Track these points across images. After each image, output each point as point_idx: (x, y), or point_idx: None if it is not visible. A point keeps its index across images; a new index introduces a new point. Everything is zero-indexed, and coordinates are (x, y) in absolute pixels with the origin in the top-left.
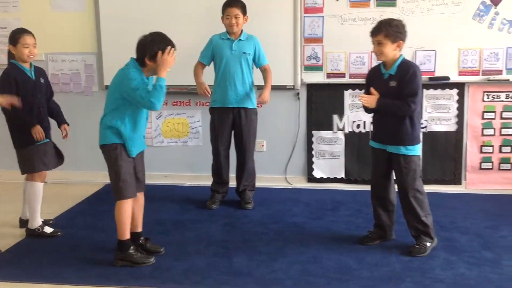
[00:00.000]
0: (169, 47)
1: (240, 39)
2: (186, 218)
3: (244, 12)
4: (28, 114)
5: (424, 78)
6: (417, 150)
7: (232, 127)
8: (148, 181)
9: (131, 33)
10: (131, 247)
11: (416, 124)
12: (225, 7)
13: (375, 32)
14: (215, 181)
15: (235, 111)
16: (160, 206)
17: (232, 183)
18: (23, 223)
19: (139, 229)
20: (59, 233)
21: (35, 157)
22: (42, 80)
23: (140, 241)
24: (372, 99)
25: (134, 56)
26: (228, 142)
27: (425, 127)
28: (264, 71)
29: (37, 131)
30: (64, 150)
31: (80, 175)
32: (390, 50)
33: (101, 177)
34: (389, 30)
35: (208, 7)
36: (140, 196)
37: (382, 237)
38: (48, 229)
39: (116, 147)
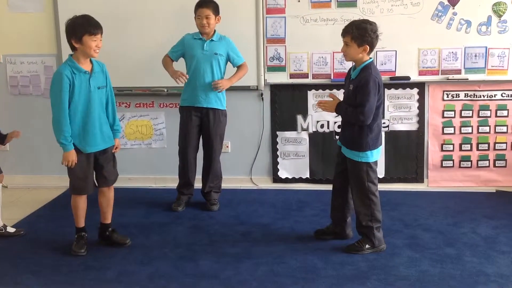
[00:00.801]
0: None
1: (212, 40)
2: (151, 221)
3: (216, 12)
4: None
5: (385, 78)
6: (367, 157)
7: (200, 127)
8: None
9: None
10: (77, 236)
11: (365, 131)
12: (197, 7)
13: (343, 33)
14: (181, 183)
15: (204, 111)
16: (124, 209)
17: (198, 184)
18: None
19: (107, 221)
20: (22, 232)
21: None
22: None
23: (107, 232)
24: (330, 105)
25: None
26: (196, 143)
27: (387, 126)
28: (242, 69)
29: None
30: (24, 154)
31: (41, 179)
32: (355, 53)
33: (62, 181)
34: (355, 33)
35: (178, 7)
36: (107, 190)
37: (336, 233)
38: (10, 229)
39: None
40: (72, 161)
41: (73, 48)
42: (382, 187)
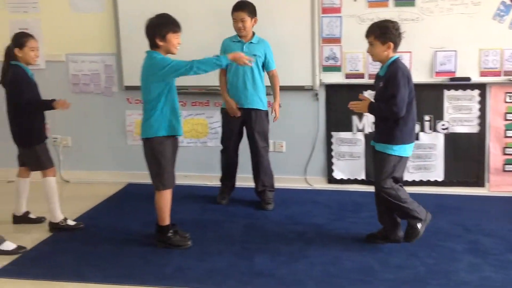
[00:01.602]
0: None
1: (251, 42)
2: (206, 218)
3: (252, 15)
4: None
5: (445, 78)
6: (400, 150)
7: (242, 127)
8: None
9: None
10: (170, 231)
11: (400, 124)
12: (233, 11)
13: (366, 33)
14: (223, 176)
15: (246, 112)
16: (180, 206)
17: (251, 183)
18: (17, 219)
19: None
20: (81, 225)
21: (47, 154)
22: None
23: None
24: (362, 105)
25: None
26: (236, 141)
27: (447, 128)
28: (272, 77)
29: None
30: (84, 150)
31: (100, 174)
32: (380, 51)
33: (122, 177)
34: (378, 31)
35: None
36: None
37: (385, 237)
38: (71, 222)
39: (162, 139)
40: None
41: (154, 46)
42: (440, 190)
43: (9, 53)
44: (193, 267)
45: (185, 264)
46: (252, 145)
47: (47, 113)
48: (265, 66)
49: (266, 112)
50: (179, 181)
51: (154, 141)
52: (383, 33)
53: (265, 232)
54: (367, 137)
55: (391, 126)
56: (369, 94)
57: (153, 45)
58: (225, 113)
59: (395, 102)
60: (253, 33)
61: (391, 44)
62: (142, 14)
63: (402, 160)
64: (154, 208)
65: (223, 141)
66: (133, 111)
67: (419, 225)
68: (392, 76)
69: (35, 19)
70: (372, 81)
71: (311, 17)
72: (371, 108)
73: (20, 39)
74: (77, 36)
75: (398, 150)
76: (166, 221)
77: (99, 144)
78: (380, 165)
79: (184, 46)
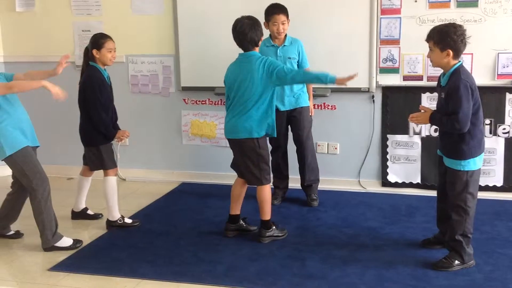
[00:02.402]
0: None
1: (284, 45)
2: (259, 219)
3: (288, 16)
4: (108, 118)
5: (507, 81)
6: (470, 165)
7: (287, 127)
8: (222, 181)
9: (207, 35)
10: (273, 224)
11: (466, 138)
12: (272, 13)
13: (426, 38)
14: (275, 177)
15: (286, 112)
16: None
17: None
18: (75, 215)
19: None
20: (137, 223)
21: (111, 154)
22: (111, 85)
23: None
24: (423, 117)
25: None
26: (283, 141)
27: (508, 132)
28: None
29: (121, 134)
30: (141, 149)
31: (155, 173)
32: (439, 58)
33: (176, 176)
34: (437, 37)
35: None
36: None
37: (442, 242)
38: (128, 220)
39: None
40: None
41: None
42: (500, 196)
43: (87, 54)
44: (245, 267)
45: (238, 263)
46: (297, 142)
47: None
48: (298, 65)
49: (307, 110)
50: (226, 180)
51: (260, 139)
52: (443, 39)
53: (317, 234)
54: (424, 140)
55: (457, 141)
56: (427, 97)
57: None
58: None
59: (457, 119)
60: (285, 35)
61: (451, 52)
62: (200, 16)
63: (474, 173)
64: (258, 203)
65: (271, 141)
66: (189, 111)
67: (457, 262)
68: (454, 90)
69: (98, 21)
70: (431, 84)
71: (369, 18)
72: (433, 120)
73: (99, 40)
74: (137, 38)
75: (467, 165)
76: (270, 215)
77: (155, 143)
78: (451, 181)
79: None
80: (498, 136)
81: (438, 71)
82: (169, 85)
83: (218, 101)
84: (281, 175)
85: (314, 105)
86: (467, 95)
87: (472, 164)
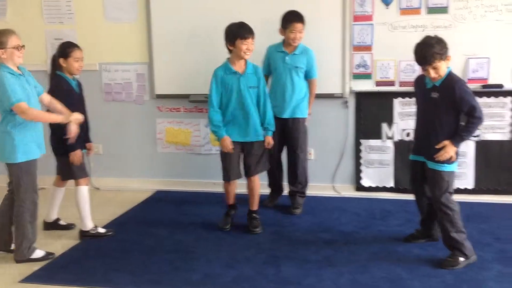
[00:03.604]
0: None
1: (294, 53)
2: (235, 225)
3: (304, 25)
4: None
5: (477, 85)
6: (450, 166)
7: (283, 135)
8: (198, 188)
9: (182, 42)
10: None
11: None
12: (291, 21)
13: (426, 61)
14: (271, 182)
15: (284, 121)
16: (210, 213)
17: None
18: (47, 225)
19: (251, 207)
20: (111, 233)
21: (82, 163)
22: (82, 94)
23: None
24: (448, 150)
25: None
26: (280, 147)
27: (478, 135)
28: (310, 85)
29: (76, 157)
30: (115, 158)
31: (130, 182)
32: (445, 69)
33: (151, 184)
34: (440, 51)
35: (264, 19)
36: (249, 180)
37: (427, 236)
38: (101, 230)
39: None
40: (226, 146)
41: (229, 51)
42: (470, 198)
43: (54, 63)
44: (221, 274)
45: (214, 271)
46: (290, 152)
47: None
48: (306, 75)
49: (304, 120)
50: (208, 188)
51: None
52: (444, 50)
53: (293, 240)
54: (397, 144)
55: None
56: (399, 102)
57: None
58: None
59: (477, 112)
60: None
61: (450, 57)
62: (174, 24)
63: (454, 173)
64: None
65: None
66: (164, 119)
67: (461, 259)
68: (462, 92)
69: (70, 29)
70: (403, 89)
71: (342, 25)
72: (457, 143)
73: (65, 49)
74: (110, 46)
75: (450, 166)
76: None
77: (130, 151)
78: (435, 182)
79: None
80: (469, 139)
81: (410, 76)
82: (143, 93)
83: (193, 108)
84: (275, 181)
85: None
86: (468, 88)
87: (454, 165)
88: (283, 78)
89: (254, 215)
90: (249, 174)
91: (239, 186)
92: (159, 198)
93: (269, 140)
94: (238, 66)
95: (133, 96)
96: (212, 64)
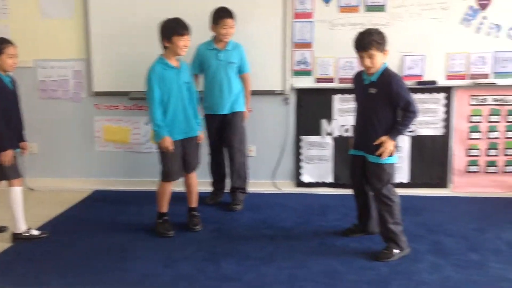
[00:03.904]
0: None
1: (226, 49)
2: (173, 223)
3: (235, 21)
4: (7, 127)
5: (412, 82)
6: (391, 158)
7: (222, 131)
8: (137, 187)
9: (121, 38)
10: (162, 220)
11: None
12: (223, 17)
13: (364, 47)
14: (214, 179)
15: (223, 117)
16: (149, 212)
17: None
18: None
19: (190, 205)
20: (45, 235)
21: (14, 164)
22: (16, 91)
23: (189, 214)
24: (387, 145)
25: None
26: (220, 144)
27: (413, 131)
28: (244, 80)
29: (7, 157)
30: (51, 157)
31: (66, 182)
32: (380, 60)
33: (89, 184)
34: (379, 42)
35: (202, 14)
36: (189, 176)
37: (364, 230)
38: (35, 232)
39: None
40: (167, 147)
41: (164, 47)
42: (406, 192)
43: None
44: (159, 273)
45: (152, 270)
46: (228, 148)
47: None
48: (239, 70)
49: (242, 115)
50: (141, 187)
51: None
52: (384, 41)
53: (233, 236)
54: (336, 140)
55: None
56: (338, 98)
57: (164, 47)
58: (206, 119)
59: (412, 106)
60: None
61: (387, 51)
62: (113, 19)
63: (394, 165)
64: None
65: (209, 145)
66: (102, 117)
67: (396, 251)
68: (398, 87)
69: (4, 25)
70: (342, 85)
71: (282, 22)
72: (394, 136)
73: None
74: (46, 42)
75: (390, 158)
76: (161, 208)
77: (66, 150)
78: (376, 175)
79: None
80: (404, 134)
81: (349, 73)
82: (81, 90)
83: (132, 106)
84: (219, 177)
85: None
86: (404, 83)
87: (394, 157)
88: (218, 75)
89: (194, 212)
90: (189, 170)
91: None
92: (97, 198)
93: (201, 136)
94: (174, 62)
95: (70, 94)
96: (153, 60)
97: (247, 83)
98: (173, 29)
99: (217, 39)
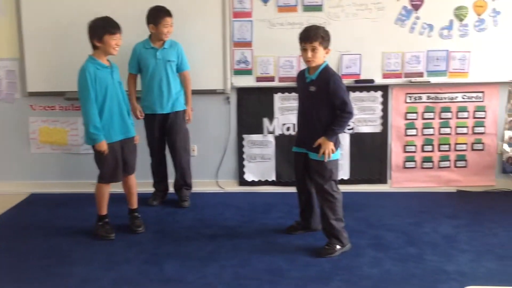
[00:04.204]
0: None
1: (164, 48)
2: (114, 225)
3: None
4: None
5: (350, 81)
6: (336, 155)
7: (163, 130)
8: (76, 190)
9: (56, 37)
10: (102, 223)
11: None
12: (163, 16)
13: (309, 39)
14: (155, 181)
15: (163, 116)
16: (88, 215)
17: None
18: None
19: (130, 206)
20: None
21: None
22: None
23: (130, 216)
24: (325, 146)
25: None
26: (162, 144)
27: (352, 128)
28: (184, 79)
29: None
30: None
31: (2, 185)
32: (322, 57)
33: (26, 187)
34: (323, 37)
35: (141, 11)
36: (129, 178)
37: (306, 227)
38: None
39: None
40: (103, 151)
41: (94, 47)
42: (346, 188)
43: None
44: (100, 277)
45: (92, 275)
46: (171, 146)
47: None
48: (177, 68)
49: (183, 113)
50: (79, 189)
51: None
52: (328, 38)
53: (176, 237)
54: (277, 139)
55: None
56: (279, 97)
57: (93, 47)
58: (146, 118)
59: (348, 107)
60: None
61: (330, 50)
62: (48, 18)
63: (336, 162)
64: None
65: (149, 144)
66: (37, 118)
67: (338, 247)
68: (335, 86)
69: None
70: (282, 84)
71: (222, 21)
72: (331, 136)
73: None
74: None
75: (333, 155)
76: (101, 210)
77: (0, 153)
78: (318, 171)
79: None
80: (344, 132)
81: (289, 72)
82: (14, 90)
83: (69, 106)
84: (160, 178)
85: None
86: (342, 83)
87: (336, 153)
88: (157, 74)
89: (135, 214)
90: (129, 171)
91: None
92: (34, 202)
93: (137, 137)
94: (106, 62)
95: (3, 94)
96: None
97: (188, 81)
98: (104, 28)
99: (154, 38)
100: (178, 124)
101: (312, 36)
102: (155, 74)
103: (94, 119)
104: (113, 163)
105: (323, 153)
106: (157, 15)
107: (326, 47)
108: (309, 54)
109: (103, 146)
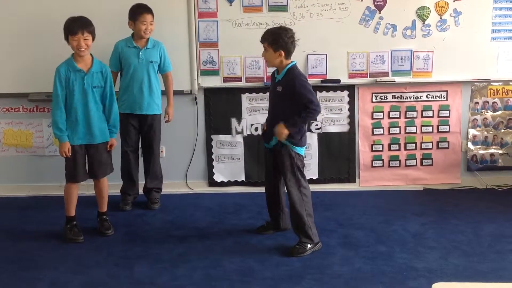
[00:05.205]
0: None
1: (147, 48)
2: (83, 228)
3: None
4: None
5: (317, 81)
6: (298, 149)
7: (139, 131)
8: (42, 192)
9: (19, 37)
10: (69, 225)
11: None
12: (142, 13)
13: (261, 39)
14: (125, 184)
15: (142, 117)
16: (56, 218)
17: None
18: None
19: (100, 209)
20: None
21: None
22: None
23: (98, 219)
24: (280, 131)
25: None
26: (136, 146)
27: (320, 128)
28: (166, 79)
29: None
30: None
31: None
32: (273, 58)
33: None
34: (270, 39)
35: (118, 8)
36: (97, 182)
37: (276, 227)
38: None
39: None
40: (65, 152)
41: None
42: (315, 188)
43: None
44: (69, 281)
45: (61, 278)
46: (146, 149)
47: None
48: (160, 68)
49: (160, 116)
50: (46, 191)
51: None
52: (276, 41)
53: (146, 239)
54: (246, 139)
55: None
56: (246, 97)
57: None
58: (122, 118)
59: (313, 104)
60: (148, 37)
61: (282, 52)
62: (10, 17)
63: (302, 156)
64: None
65: (122, 145)
66: (1, 120)
67: (309, 246)
68: (299, 86)
69: None
70: (249, 85)
71: (187, 21)
72: (290, 125)
73: None
74: None
75: (298, 149)
76: (68, 212)
77: None
78: (282, 159)
79: None
80: (312, 132)
81: (255, 72)
82: None
83: (33, 108)
84: (131, 181)
85: None
86: (307, 83)
87: (300, 148)
88: (139, 74)
89: (104, 217)
90: (97, 176)
91: (84, 188)
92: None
93: (113, 142)
94: (83, 64)
95: None
96: (54, 60)
97: (170, 81)
98: (66, 28)
99: (136, 36)
100: (157, 128)
101: (263, 37)
102: (136, 74)
103: (57, 119)
104: (73, 164)
105: (278, 136)
106: (136, 11)
107: (276, 50)
108: (263, 53)
109: (65, 147)
